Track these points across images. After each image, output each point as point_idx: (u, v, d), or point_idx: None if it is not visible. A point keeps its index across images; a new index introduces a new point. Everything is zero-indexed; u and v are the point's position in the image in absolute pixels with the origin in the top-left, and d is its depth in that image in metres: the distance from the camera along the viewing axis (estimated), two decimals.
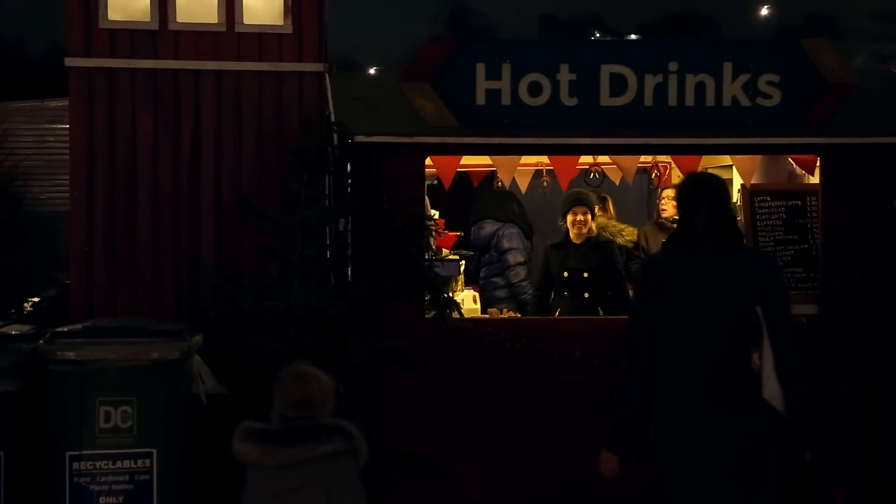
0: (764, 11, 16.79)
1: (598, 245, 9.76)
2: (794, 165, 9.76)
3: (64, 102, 9.43)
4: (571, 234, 9.77)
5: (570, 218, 9.77)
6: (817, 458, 4.80)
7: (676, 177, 11.02)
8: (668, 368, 4.97)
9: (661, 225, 10.30)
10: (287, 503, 4.68)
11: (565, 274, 9.65)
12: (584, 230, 9.74)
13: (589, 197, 10.00)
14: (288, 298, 7.67)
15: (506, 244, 10.17)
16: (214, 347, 7.79)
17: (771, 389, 4.65)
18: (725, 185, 5.34)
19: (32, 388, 7.43)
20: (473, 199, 11.28)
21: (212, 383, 7.66)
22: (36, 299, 10.25)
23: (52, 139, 12.42)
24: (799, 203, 8.92)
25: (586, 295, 9.56)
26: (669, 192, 10.14)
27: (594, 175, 10.89)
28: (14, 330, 7.84)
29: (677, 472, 4.96)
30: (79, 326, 7.56)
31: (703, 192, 5.06)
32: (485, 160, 10.51)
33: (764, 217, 8.88)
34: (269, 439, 4.77)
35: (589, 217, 9.79)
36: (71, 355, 7.17)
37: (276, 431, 4.81)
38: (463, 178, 11.99)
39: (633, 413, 5.05)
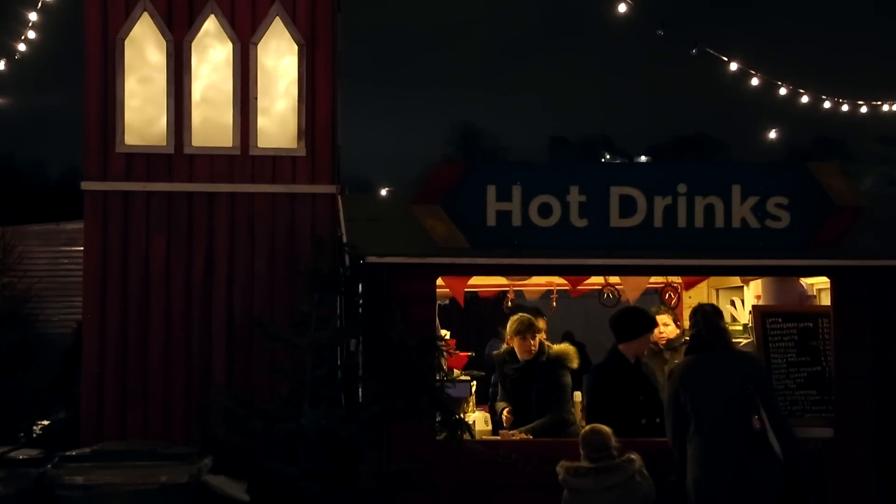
0: (772, 134, 17.01)
1: (642, 365, 8.97)
2: (805, 287, 9.76)
3: (79, 225, 9.54)
4: (631, 356, 8.75)
5: (643, 342, 8.82)
6: (800, 478, 7.42)
7: (688, 297, 11.03)
8: (698, 431, 7.46)
9: (652, 351, 9.78)
10: None
11: (641, 398, 8.66)
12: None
13: None
14: (298, 420, 7.62)
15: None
16: (224, 470, 7.70)
17: (771, 437, 7.27)
18: (720, 311, 8.19)
19: None
20: (486, 319, 11.21)
21: (239, 490, 7.47)
22: (46, 422, 10.19)
23: (66, 261, 12.52)
24: (811, 325, 8.88)
25: (658, 419, 8.59)
26: (664, 318, 9.88)
27: (608, 295, 10.84)
28: (22, 454, 7.76)
29: (707, 497, 7.42)
30: (87, 450, 7.50)
31: (706, 319, 7.78)
32: (496, 280, 10.53)
33: (776, 339, 8.84)
34: (595, 473, 7.46)
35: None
36: (78, 480, 7.10)
37: (598, 468, 7.48)
38: (473, 298, 12.00)
39: (680, 460, 7.64)
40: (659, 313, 9.76)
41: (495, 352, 10.13)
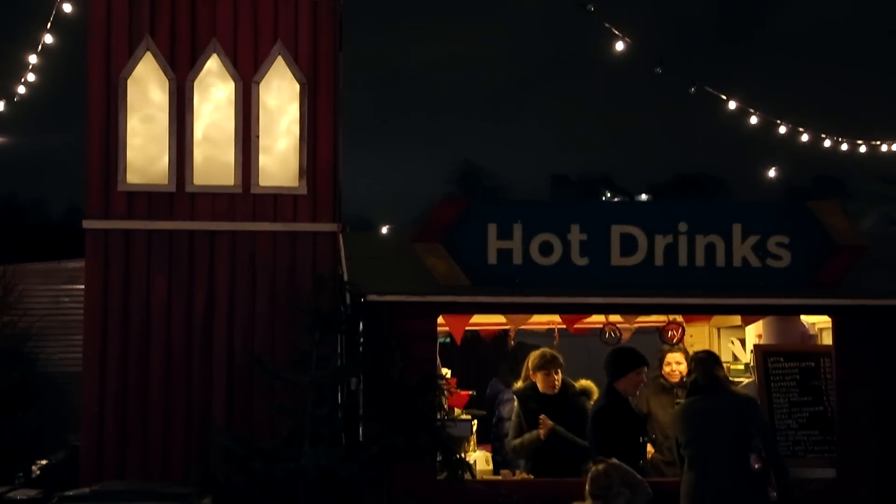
0: (772, 173, 17.04)
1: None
2: (807, 326, 9.74)
3: (80, 263, 9.55)
4: (626, 393, 8.86)
5: (635, 378, 8.87)
6: None
7: (689, 335, 11.00)
8: (689, 470, 7.65)
9: (662, 387, 9.82)
10: None
11: (642, 440, 8.84)
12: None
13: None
14: (298, 460, 7.59)
15: (503, 412, 10.05)
16: None
17: (770, 478, 7.38)
18: (716, 357, 8.26)
19: None
20: (488, 357, 11.15)
21: None
22: (45, 462, 10.14)
23: (67, 300, 12.50)
24: (813, 364, 8.86)
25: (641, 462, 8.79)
26: (676, 356, 9.80)
27: (610, 334, 10.77)
28: (20, 494, 7.75)
29: None
30: (86, 490, 7.47)
31: (702, 363, 7.92)
32: (497, 318, 10.51)
33: (777, 378, 8.81)
34: None
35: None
36: None
37: None
38: (474, 336, 11.98)
39: None
40: (671, 351, 9.68)
41: (516, 387, 9.96)
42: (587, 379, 9.74)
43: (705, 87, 12.45)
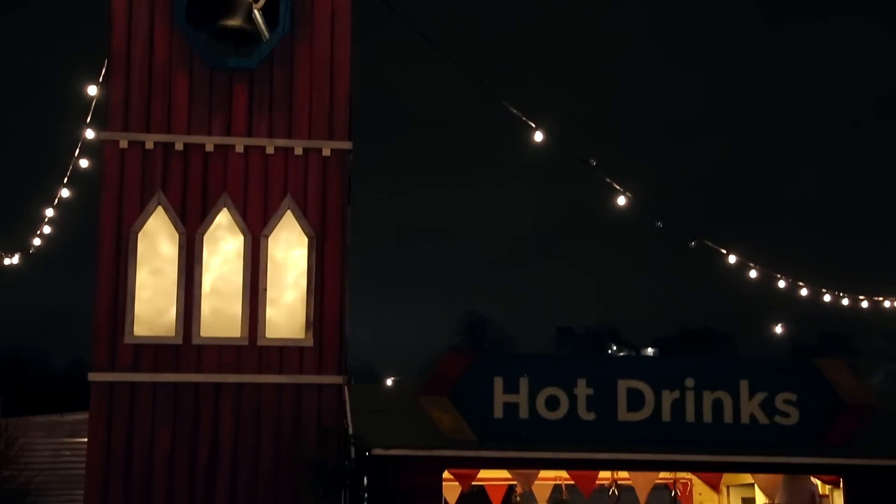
0: (778, 329, 17.00)
1: None
2: (818, 485, 9.61)
3: (82, 416, 9.48)
4: None
5: None
6: None
7: (698, 493, 10.86)
8: None
9: None
10: None
11: None
12: None
13: None
14: None
15: None
16: None
17: None
18: None
19: None
20: None
21: None
22: None
23: (68, 453, 12.37)
24: None
25: None
26: None
27: (613, 491, 10.66)
28: None
29: None
30: None
31: None
32: (503, 473, 10.39)
33: None
34: None
35: None
36: None
37: None
38: (480, 491, 11.82)
39: None
40: None
41: None
42: None
43: (705, 241, 12.53)
